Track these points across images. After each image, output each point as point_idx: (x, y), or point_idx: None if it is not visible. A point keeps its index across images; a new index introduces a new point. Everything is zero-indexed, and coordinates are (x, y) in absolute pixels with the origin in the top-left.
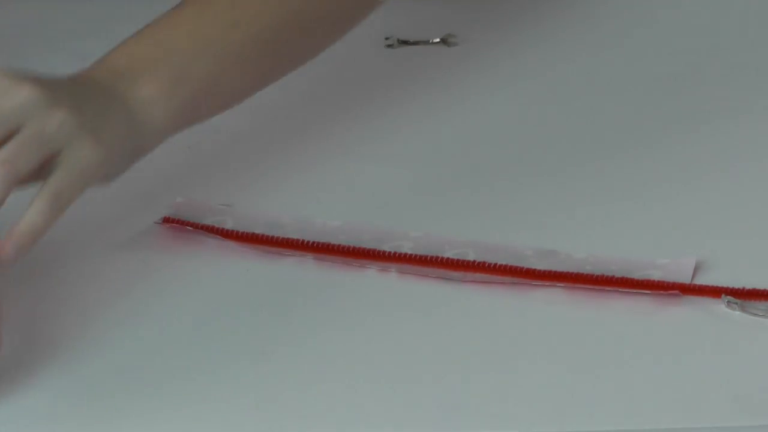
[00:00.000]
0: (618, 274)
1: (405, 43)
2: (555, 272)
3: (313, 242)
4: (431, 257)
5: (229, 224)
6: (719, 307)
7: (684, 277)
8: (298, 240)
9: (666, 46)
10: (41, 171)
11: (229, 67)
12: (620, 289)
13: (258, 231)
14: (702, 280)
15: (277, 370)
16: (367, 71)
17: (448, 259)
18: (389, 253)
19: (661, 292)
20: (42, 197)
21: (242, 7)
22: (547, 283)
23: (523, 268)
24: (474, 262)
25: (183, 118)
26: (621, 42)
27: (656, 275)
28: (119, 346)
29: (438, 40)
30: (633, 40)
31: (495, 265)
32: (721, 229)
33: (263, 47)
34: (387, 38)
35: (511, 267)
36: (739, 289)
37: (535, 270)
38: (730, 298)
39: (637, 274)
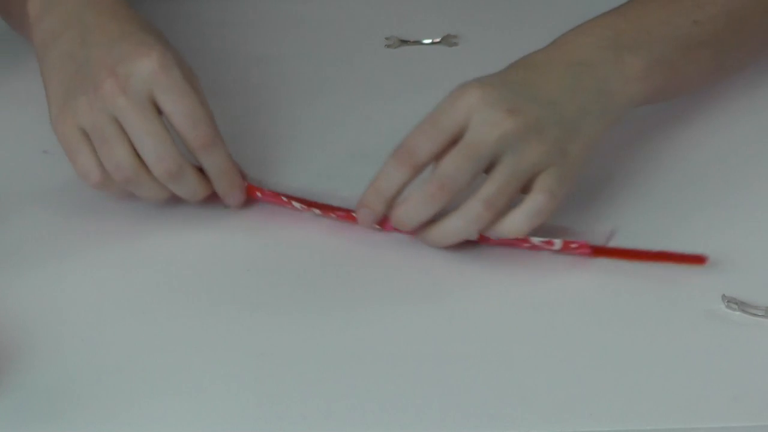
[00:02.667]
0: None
1: (405, 43)
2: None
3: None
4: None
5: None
6: (719, 307)
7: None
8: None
9: None
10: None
11: (689, 59)
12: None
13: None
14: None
15: (276, 369)
16: (367, 71)
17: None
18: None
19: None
20: (522, 213)
21: (703, 7)
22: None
23: None
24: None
25: (647, 99)
26: None
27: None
28: (119, 345)
29: (438, 40)
30: None
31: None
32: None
33: (717, 47)
34: (387, 38)
35: None
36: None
37: None
38: (730, 298)
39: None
